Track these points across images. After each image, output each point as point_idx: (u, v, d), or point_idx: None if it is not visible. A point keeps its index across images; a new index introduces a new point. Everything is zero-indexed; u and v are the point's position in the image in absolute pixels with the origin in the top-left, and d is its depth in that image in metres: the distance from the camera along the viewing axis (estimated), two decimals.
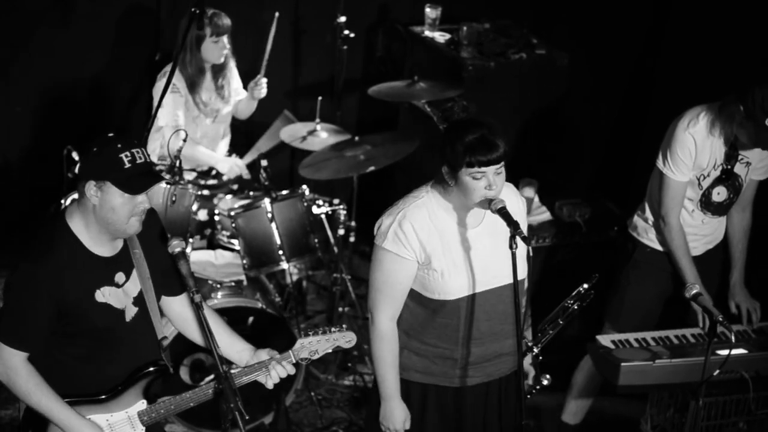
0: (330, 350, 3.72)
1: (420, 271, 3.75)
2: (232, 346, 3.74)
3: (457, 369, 3.84)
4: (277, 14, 5.84)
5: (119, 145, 3.40)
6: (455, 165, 3.59)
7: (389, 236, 3.71)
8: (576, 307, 3.93)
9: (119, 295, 3.55)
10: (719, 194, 4.59)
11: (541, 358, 3.97)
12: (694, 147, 4.46)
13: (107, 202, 3.42)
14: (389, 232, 3.71)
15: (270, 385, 3.66)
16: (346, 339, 3.71)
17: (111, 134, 3.49)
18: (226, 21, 5.59)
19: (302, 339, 3.68)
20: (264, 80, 5.82)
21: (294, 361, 3.67)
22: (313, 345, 3.68)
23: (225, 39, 5.60)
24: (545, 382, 3.97)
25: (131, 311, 3.58)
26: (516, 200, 3.84)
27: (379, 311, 3.81)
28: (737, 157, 4.51)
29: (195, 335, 3.81)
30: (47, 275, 3.41)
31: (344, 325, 3.71)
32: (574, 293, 3.94)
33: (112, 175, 3.39)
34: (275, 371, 3.63)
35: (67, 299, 3.45)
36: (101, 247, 3.51)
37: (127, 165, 3.39)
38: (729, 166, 4.51)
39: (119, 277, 3.55)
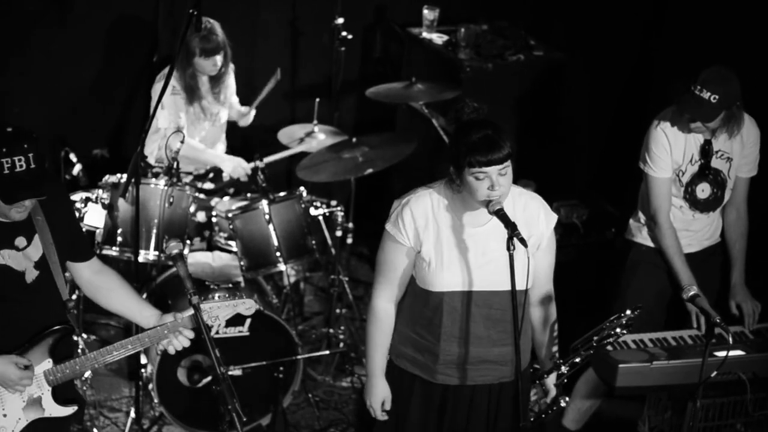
0: (229, 316, 3.73)
1: (417, 259, 3.79)
2: (140, 311, 3.78)
3: (438, 365, 3.83)
4: (279, 70, 5.91)
5: (3, 149, 3.37)
6: (459, 165, 3.61)
7: (392, 219, 3.78)
8: (613, 333, 3.89)
9: (19, 258, 3.61)
10: (703, 191, 4.66)
11: (566, 380, 3.93)
12: (667, 141, 4.56)
13: None
14: (393, 215, 3.78)
15: (171, 351, 3.68)
16: (246, 306, 3.74)
17: (9, 128, 3.43)
18: (216, 39, 5.50)
19: (202, 304, 3.69)
20: (252, 112, 5.92)
21: (193, 326, 3.69)
22: (213, 311, 3.71)
23: (216, 57, 5.56)
24: (563, 404, 3.91)
25: (32, 274, 3.64)
26: (537, 210, 3.78)
27: (377, 291, 3.87)
28: (713, 151, 4.58)
29: (105, 301, 3.85)
30: None
31: (243, 294, 3.65)
32: (613, 318, 3.90)
33: None
34: (177, 339, 3.66)
35: None
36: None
37: (5, 171, 3.38)
38: (706, 161, 4.59)
39: (20, 241, 3.61)
